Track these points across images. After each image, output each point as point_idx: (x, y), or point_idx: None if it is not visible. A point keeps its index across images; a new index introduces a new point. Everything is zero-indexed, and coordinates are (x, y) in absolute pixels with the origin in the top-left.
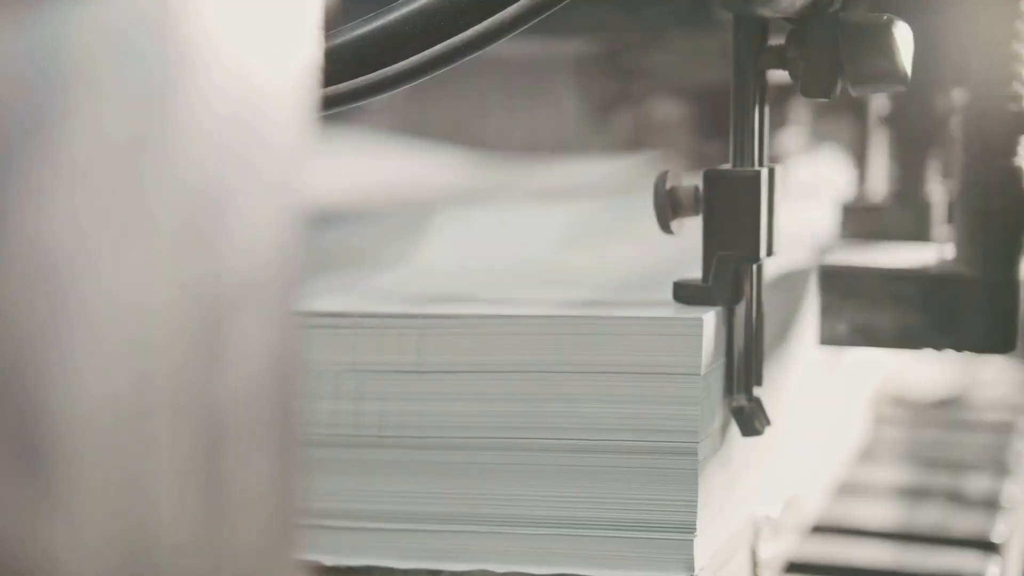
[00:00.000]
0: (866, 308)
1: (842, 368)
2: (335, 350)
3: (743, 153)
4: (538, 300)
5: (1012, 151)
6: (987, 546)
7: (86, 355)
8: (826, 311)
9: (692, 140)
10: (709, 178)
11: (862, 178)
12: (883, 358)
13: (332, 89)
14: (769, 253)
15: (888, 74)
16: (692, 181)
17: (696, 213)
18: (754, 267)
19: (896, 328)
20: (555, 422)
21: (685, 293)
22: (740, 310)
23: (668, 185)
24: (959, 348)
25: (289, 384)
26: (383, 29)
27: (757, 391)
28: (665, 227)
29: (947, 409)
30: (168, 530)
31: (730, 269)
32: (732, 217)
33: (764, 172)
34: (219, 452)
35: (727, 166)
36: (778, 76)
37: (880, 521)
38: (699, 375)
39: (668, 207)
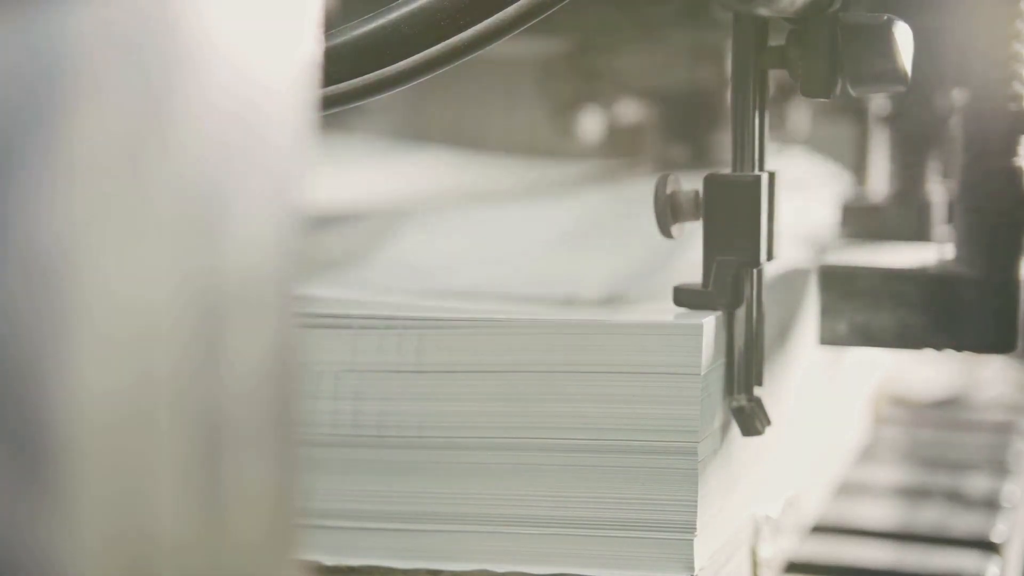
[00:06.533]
0: (866, 308)
1: (842, 368)
2: (335, 350)
3: (743, 157)
4: (539, 301)
5: (1012, 151)
6: (987, 546)
7: (86, 355)
8: (826, 311)
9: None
10: (709, 183)
11: (862, 178)
12: (883, 358)
13: (332, 89)
14: (769, 257)
15: (888, 74)
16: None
17: (696, 218)
18: (754, 271)
19: (896, 328)
20: (555, 422)
21: (685, 297)
22: (740, 312)
23: (668, 190)
24: (959, 348)
25: (289, 384)
26: (383, 29)
27: (757, 391)
28: (665, 232)
29: (947, 409)
30: (168, 530)
31: (730, 274)
32: (732, 222)
33: (764, 177)
34: (219, 452)
35: (727, 170)
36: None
37: (880, 521)
38: (699, 375)
39: (668, 212)
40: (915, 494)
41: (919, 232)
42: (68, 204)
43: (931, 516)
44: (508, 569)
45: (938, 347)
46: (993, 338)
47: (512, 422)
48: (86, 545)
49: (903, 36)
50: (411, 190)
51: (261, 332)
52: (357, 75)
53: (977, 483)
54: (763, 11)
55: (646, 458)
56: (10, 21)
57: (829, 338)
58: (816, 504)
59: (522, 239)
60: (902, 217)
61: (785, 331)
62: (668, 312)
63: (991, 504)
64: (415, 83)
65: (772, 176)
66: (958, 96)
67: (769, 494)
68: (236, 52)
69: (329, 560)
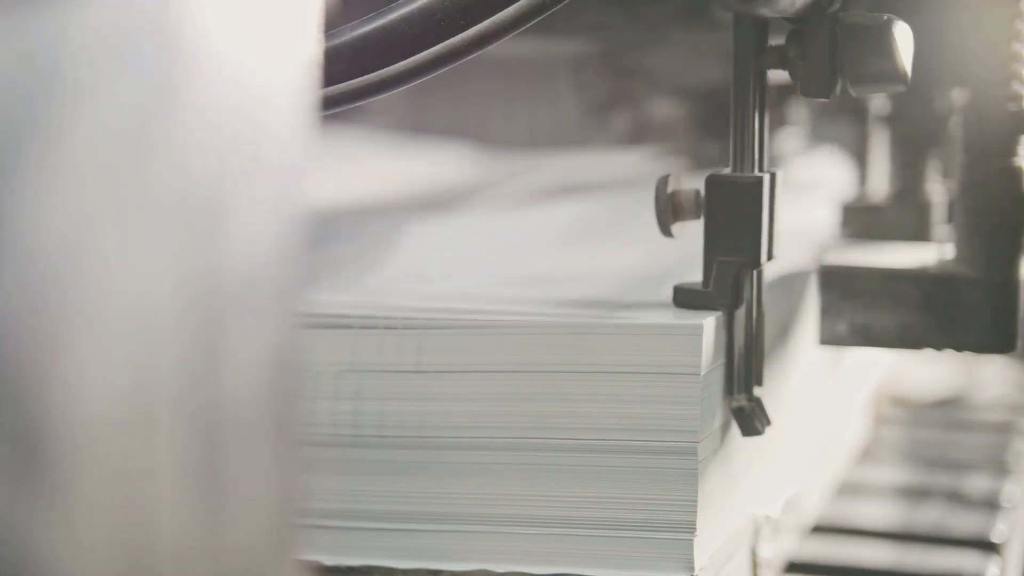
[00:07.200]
0: (866, 308)
1: (842, 368)
2: (335, 350)
3: (743, 157)
4: (539, 302)
5: (1012, 151)
6: (987, 546)
7: (86, 356)
8: (826, 311)
9: (693, 139)
10: (710, 184)
11: (862, 178)
12: (883, 358)
13: (332, 89)
14: (769, 258)
15: (888, 74)
16: (694, 184)
17: (697, 217)
18: (754, 271)
19: (896, 328)
20: (555, 422)
21: (685, 298)
22: (740, 312)
23: (669, 189)
24: (959, 348)
25: (289, 384)
26: (383, 29)
27: (757, 391)
28: (666, 231)
29: (947, 409)
30: (168, 530)
31: (730, 274)
32: (733, 223)
33: (765, 178)
34: (219, 452)
35: (728, 170)
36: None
37: (880, 521)
38: (699, 375)
39: (669, 211)
40: (915, 494)
41: (919, 232)
42: (67, 205)
43: (931, 516)
44: (508, 569)
45: (938, 347)
46: (993, 338)
47: (512, 422)
48: (86, 545)
49: (903, 36)
50: (415, 187)
51: (261, 333)
52: (357, 75)
53: (977, 483)
54: (763, 11)
55: (646, 458)
56: (9, 23)
57: (829, 338)
58: (816, 504)
59: (526, 238)
60: (902, 217)
61: (785, 331)
62: (668, 312)
63: (991, 504)
64: (416, 83)
65: (773, 176)
66: (958, 96)
67: (769, 494)
68: (236, 53)
69: (329, 560)
